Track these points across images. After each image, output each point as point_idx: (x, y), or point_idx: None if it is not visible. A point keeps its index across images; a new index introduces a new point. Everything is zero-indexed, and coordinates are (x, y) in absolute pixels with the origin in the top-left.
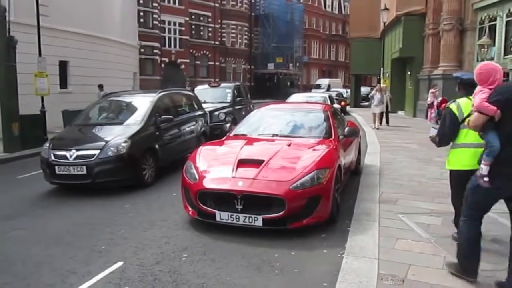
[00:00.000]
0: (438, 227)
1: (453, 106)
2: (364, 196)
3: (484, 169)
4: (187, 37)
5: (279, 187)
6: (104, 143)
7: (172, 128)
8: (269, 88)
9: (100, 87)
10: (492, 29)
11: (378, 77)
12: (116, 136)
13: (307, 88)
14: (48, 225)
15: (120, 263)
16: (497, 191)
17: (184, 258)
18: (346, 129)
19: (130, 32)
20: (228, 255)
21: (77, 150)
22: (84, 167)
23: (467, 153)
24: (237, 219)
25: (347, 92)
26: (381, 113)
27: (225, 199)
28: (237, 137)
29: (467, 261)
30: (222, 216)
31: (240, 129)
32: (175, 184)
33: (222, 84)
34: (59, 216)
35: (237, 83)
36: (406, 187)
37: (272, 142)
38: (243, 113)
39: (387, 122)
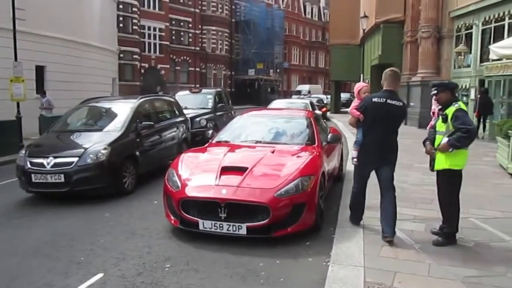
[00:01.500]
0: (421, 233)
1: (463, 106)
2: (348, 203)
3: (354, 153)
4: (167, 43)
5: (263, 195)
6: (83, 150)
7: (153, 134)
8: (250, 94)
9: (42, 93)
10: (469, 37)
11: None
12: (96, 143)
13: (288, 94)
14: (25, 236)
15: (100, 275)
16: (364, 166)
17: (167, 268)
18: (329, 136)
19: (109, 37)
20: (212, 264)
21: (55, 157)
22: (62, 175)
23: (466, 153)
24: (221, 228)
25: (327, 98)
26: None
27: (209, 207)
28: (219, 144)
29: (355, 211)
30: (206, 225)
31: (222, 135)
32: (156, 191)
33: (203, 90)
34: (37, 226)
35: (219, 89)
36: None
37: (255, 149)
38: (225, 119)
39: None
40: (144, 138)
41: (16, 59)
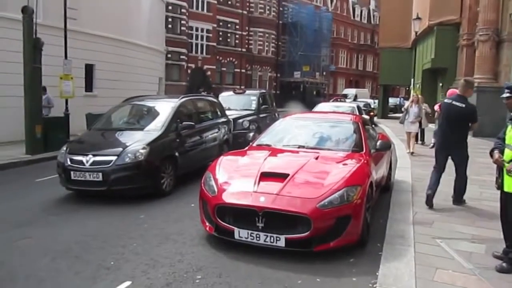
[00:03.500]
0: (482, 256)
1: None
2: (397, 216)
3: (432, 140)
4: (214, 44)
5: (304, 205)
6: (121, 149)
7: (194, 135)
8: (294, 96)
9: (42, 90)
10: None
11: (407, 88)
12: (135, 142)
13: (333, 97)
14: (58, 234)
15: (128, 283)
16: (437, 151)
17: (197, 280)
18: (378, 142)
19: (157, 37)
20: (246, 278)
21: (94, 155)
22: (100, 174)
23: None
24: (258, 238)
25: (374, 102)
26: (417, 133)
27: (245, 215)
28: (260, 147)
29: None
30: (241, 234)
31: (264, 138)
32: (194, 194)
33: (247, 91)
34: (71, 224)
35: (263, 91)
36: (442, 208)
37: (298, 154)
38: (268, 121)
39: (422, 139)
40: (184, 138)
41: (66, 57)
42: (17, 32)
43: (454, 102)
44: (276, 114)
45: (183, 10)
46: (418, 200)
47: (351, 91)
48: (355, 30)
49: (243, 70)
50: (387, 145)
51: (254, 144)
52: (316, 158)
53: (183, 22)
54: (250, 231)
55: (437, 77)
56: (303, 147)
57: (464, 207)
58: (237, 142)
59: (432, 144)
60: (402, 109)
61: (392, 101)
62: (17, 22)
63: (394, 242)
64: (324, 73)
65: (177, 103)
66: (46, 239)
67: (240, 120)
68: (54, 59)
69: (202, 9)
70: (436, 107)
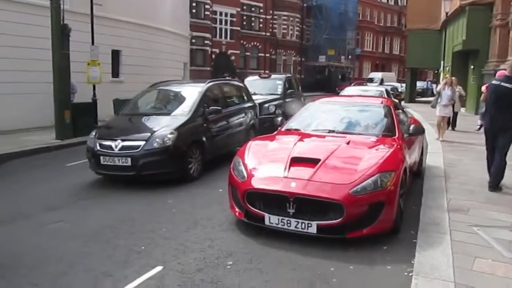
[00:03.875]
0: None
1: None
2: (430, 203)
3: (478, 121)
4: (238, 28)
5: (337, 191)
6: (149, 134)
7: (221, 120)
8: (319, 81)
9: None
10: None
11: (436, 71)
12: (163, 127)
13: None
14: (89, 218)
15: (159, 268)
16: (486, 131)
17: (229, 266)
18: (411, 127)
19: (181, 22)
20: (277, 265)
21: (123, 140)
22: (129, 159)
23: None
24: (288, 224)
25: (401, 86)
26: (449, 118)
27: (276, 201)
28: (289, 132)
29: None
30: (272, 220)
31: (292, 123)
32: (221, 179)
33: (273, 76)
34: (101, 208)
35: (288, 75)
36: (477, 194)
37: (328, 139)
38: (294, 106)
39: (454, 125)
40: (211, 123)
41: (93, 43)
42: (45, 18)
43: (502, 83)
44: (302, 99)
45: None
46: (452, 186)
47: (377, 75)
48: (381, 12)
49: (267, 55)
50: (421, 130)
51: (283, 129)
52: (348, 143)
53: (207, 6)
54: (280, 217)
55: (468, 59)
56: (333, 131)
57: (500, 193)
58: (263, 127)
59: (478, 127)
60: (434, 92)
61: (419, 84)
62: (45, 8)
63: (429, 230)
64: (350, 56)
65: (204, 87)
66: (77, 222)
67: (266, 105)
68: (82, 45)
69: None
70: (483, 88)
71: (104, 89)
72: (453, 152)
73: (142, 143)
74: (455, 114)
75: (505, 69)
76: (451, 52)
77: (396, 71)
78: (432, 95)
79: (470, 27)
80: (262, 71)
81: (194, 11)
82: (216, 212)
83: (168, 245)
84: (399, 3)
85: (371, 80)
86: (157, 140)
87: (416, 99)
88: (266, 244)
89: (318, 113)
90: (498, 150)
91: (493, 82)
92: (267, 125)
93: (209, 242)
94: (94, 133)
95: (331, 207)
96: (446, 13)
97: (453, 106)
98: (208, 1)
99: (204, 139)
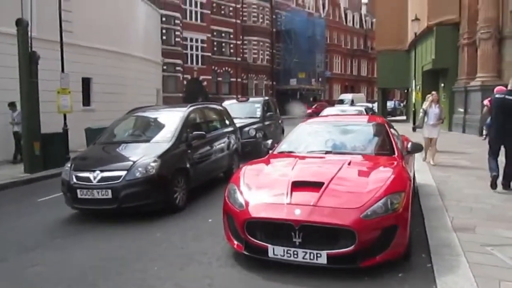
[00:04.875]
0: None
1: None
2: (433, 223)
3: (485, 132)
4: (209, 54)
5: (347, 216)
6: (131, 163)
7: (204, 145)
8: (292, 104)
9: (13, 106)
10: None
11: (406, 91)
12: (144, 155)
13: (330, 103)
14: (70, 258)
15: None
16: (492, 142)
17: None
18: (409, 144)
19: (153, 49)
20: None
21: (102, 171)
22: (110, 191)
23: None
24: (295, 255)
25: (373, 106)
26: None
27: (279, 230)
28: (283, 155)
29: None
30: (276, 251)
31: (284, 145)
32: (209, 207)
33: (251, 99)
34: (82, 247)
35: (266, 98)
36: (478, 211)
37: (327, 160)
38: (272, 129)
39: None
40: (195, 149)
41: (63, 70)
42: (11, 47)
43: (507, 96)
44: (280, 122)
45: (177, 21)
46: (450, 204)
47: (347, 96)
48: (348, 35)
49: (239, 79)
50: (419, 147)
51: (275, 152)
52: (349, 164)
53: (177, 33)
54: (286, 248)
55: (438, 77)
56: (330, 152)
57: (501, 209)
58: (244, 151)
59: (484, 136)
60: (421, 110)
61: (388, 104)
62: (12, 36)
63: (442, 252)
64: (320, 79)
65: (186, 112)
66: (57, 265)
67: (246, 129)
68: (51, 73)
69: (196, 20)
70: (486, 102)
71: (75, 118)
72: (440, 169)
73: (123, 173)
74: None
75: (502, 85)
76: (421, 71)
77: (365, 92)
78: (401, 114)
79: (439, 47)
80: (235, 96)
81: (164, 37)
82: (210, 244)
83: (163, 286)
84: (364, 27)
85: (341, 102)
86: (140, 169)
87: (387, 118)
88: (272, 279)
89: (310, 134)
90: (509, 154)
91: (497, 96)
92: (248, 149)
93: (209, 280)
94: (69, 165)
95: (341, 234)
96: (415, 34)
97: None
98: (179, 28)
99: (188, 166)
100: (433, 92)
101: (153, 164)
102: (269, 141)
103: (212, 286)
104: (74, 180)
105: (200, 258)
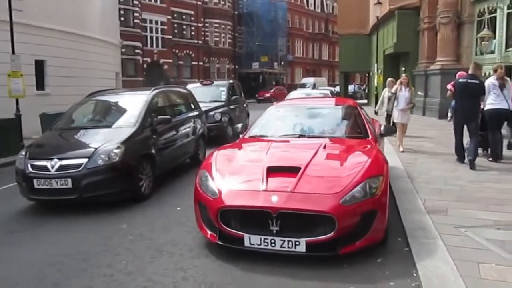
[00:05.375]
0: None
1: None
2: (406, 205)
3: (449, 114)
4: (170, 36)
5: (326, 202)
6: (92, 149)
7: (170, 130)
8: (254, 88)
9: None
10: (492, 21)
11: (367, 75)
12: (107, 142)
13: (292, 87)
14: (28, 255)
15: None
16: (456, 123)
17: None
18: (382, 127)
19: (111, 30)
20: None
21: (60, 159)
22: (69, 180)
23: None
24: (273, 244)
25: (335, 90)
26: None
27: (255, 218)
28: (255, 139)
29: (459, 153)
30: (253, 241)
31: (255, 130)
32: (176, 195)
33: (216, 82)
34: (42, 242)
35: (231, 81)
36: (447, 193)
37: (302, 144)
38: (238, 113)
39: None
40: (160, 134)
41: (13, 52)
42: None
43: (469, 80)
44: (245, 105)
45: (135, 2)
46: (420, 186)
47: (309, 80)
48: (309, 19)
49: (201, 63)
50: (392, 130)
51: (246, 136)
52: (324, 147)
53: (136, 14)
54: (263, 237)
55: (399, 61)
56: (304, 136)
57: (469, 191)
58: (210, 136)
59: (449, 118)
60: (388, 94)
61: (349, 88)
62: None
63: (417, 235)
64: (282, 63)
65: (150, 95)
66: (12, 263)
67: (212, 113)
68: (0, 56)
69: (155, 1)
70: (449, 86)
71: (29, 103)
72: (405, 152)
73: (84, 160)
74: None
75: (463, 70)
76: (383, 55)
77: (326, 76)
78: (361, 98)
79: (400, 31)
80: (196, 80)
81: (122, 19)
82: (180, 235)
83: (134, 282)
84: (326, 10)
85: (303, 86)
86: (102, 156)
87: None
88: (249, 270)
89: (282, 118)
90: (472, 133)
91: (460, 80)
92: (214, 133)
93: (182, 273)
94: (23, 153)
95: (320, 220)
96: (377, 17)
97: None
98: (137, 9)
99: (154, 152)
100: (403, 75)
101: (116, 150)
102: (239, 125)
103: (186, 279)
104: (30, 169)
105: (171, 249)
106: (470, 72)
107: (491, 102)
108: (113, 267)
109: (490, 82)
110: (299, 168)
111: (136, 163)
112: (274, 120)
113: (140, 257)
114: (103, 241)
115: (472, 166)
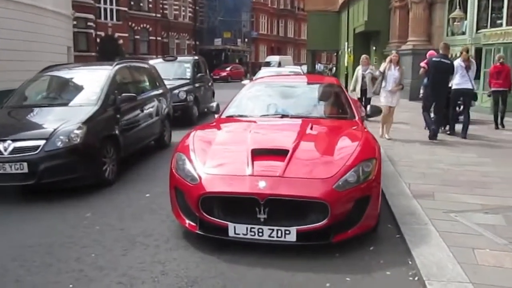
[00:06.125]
0: (506, 229)
1: None
2: (391, 190)
3: (422, 91)
4: (125, 9)
5: (318, 187)
6: (51, 130)
7: (134, 109)
8: (216, 65)
9: None
10: (464, 2)
11: (336, 53)
12: (66, 121)
13: (256, 66)
14: None
15: None
16: (427, 99)
17: None
18: (368, 108)
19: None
20: None
21: (14, 140)
22: (25, 164)
23: None
24: (260, 234)
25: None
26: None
27: (240, 206)
28: (233, 119)
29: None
30: (238, 230)
31: (233, 109)
32: (144, 180)
33: (179, 58)
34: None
35: (196, 57)
36: (431, 176)
37: (286, 125)
38: (202, 92)
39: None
40: (124, 113)
41: None
42: None
43: (442, 60)
44: (210, 84)
45: None
46: (403, 170)
47: (274, 58)
48: None
49: (159, 38)
50: (378, 110)
51: (223, 116)
52: (311, 128)
53: None
54: (249, 226)
55: (370, 40)
56: (287, 116)
57: (453, 174)
58: (174, 116)
59: (422, 95)
60: (361, 72)
61: (317, 67)
62: None
63: (408, 221)
64: (246, 40)
65: (113, 70)
66: None
67: (176, 91)
68: None
69: None
70: (423, 64)
71: None
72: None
73: (41, 142)
74: (368, 101)
75: (432, 50)
76: (353, 33)
77: (292, 54)
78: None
79: (371, 9)
80: (154, 56)
81: None
82: (153, 224)
83: (107, 278)
84: None
85: (268, 64)
86: (61, 137)
87: None
88: (235, 262)
89: (260, 96)
90: (439, 110)
91: (434, 59)
92: (178, 114)
93: (160, 267)
94: None
95: (311, 207)
96: None
97: (365, 91)
98: None
99: (118, 133)
100: (393, 52)
101: (77, 131)
102: (214, 104)
103: (166, 274)
104: None
105: (145, 240)
106: (441, 52)
107: (457, 82)
108: (81, 261)
109: (458, 63)
110: (286, 151)
111: (99, 145)
112: (253, 98)
113: (111, 249)
114: (68, 232)
115: (433, 137)
